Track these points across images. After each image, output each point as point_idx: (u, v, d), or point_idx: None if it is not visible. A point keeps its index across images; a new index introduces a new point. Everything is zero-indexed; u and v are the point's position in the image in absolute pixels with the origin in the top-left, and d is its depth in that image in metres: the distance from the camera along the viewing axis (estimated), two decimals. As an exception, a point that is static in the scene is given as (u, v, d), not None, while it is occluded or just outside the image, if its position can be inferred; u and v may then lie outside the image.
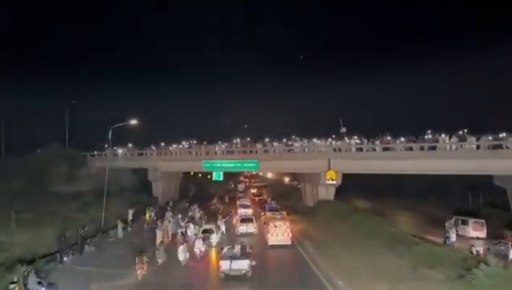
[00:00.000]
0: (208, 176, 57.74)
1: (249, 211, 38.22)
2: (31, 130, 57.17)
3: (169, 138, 53.11)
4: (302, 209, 45.80)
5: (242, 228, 30.44)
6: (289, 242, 25.28)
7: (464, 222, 31.16)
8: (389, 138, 37.05)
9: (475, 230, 30.21)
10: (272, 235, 25.26)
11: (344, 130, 39.75)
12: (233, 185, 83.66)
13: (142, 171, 49.78)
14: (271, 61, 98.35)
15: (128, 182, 55.57)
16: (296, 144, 40.85)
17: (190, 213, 37.94)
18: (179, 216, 32.20)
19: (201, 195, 66.36)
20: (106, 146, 53.48)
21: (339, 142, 39.95)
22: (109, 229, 31.14)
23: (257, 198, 55.44)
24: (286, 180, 75.43)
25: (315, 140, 41.02)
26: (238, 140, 46.11)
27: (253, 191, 66.65)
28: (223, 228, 29.45)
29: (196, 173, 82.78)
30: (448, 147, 32.72)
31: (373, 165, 36.64)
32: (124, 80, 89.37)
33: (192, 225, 28.69)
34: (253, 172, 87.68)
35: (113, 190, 50.43)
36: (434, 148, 33.65)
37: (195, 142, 48.35)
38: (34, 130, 58.22)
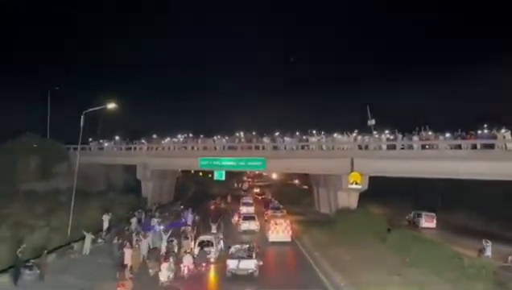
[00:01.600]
0: (210, 175, 53.68)
1: (252, 209, 38.29)
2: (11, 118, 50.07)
3: (164, 130, 46.05)
4: (316, 217, 38.89)
5: (245, 225, 30.75)
6: (289, 239, 26.15)
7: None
8: (430, 133, 29.69)
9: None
10: (273, 232, 26.27)
11: (372, 122, 32.52)
12: (236, 185, 79.40)
13: (135, 169, 43.07)
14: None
15: (118, 180, 49.17)
16: (313, 139, 33.64)
17: (182, 221, 31.08)
18: (161, 227, 25.24)
19: (202, 195, 61.04)
20: (90, 139, 47.15)
21: (366, 138, 32.53)
22: (75, 241, 24.10)
23: (260, 197, 55.10)
24: (295, 181, 68.56)
25: (335, 135, 33.74)
26: (242, 134, 38.91)
27: (257, 190, 65.78)
28: (221, 244, 23.46)
29: (196, 172, 76.96)
30: (509, 145, 25.45)
31: (410, 166, 29.52)
32: (122, 69, 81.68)
33: (175, 242, 22.14)
34: (257, 172, 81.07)
35: (96, 190, 44.21)
36: (491, 146, 26.33)
37: (191, 135, 41.29)
38: (15, 117, 50.96)
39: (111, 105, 28.45)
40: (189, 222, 31.50)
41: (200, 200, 51.54)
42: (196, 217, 32.53)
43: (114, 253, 21.73)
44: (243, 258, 18.68)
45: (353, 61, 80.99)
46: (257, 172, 79.87)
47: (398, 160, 30.37)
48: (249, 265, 18.29)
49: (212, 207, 45.23)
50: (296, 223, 34.42)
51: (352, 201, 32.91)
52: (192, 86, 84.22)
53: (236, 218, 33.64)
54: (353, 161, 31.77)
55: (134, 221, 30.09)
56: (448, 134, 29.70)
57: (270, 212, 35.12)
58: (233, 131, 39.14)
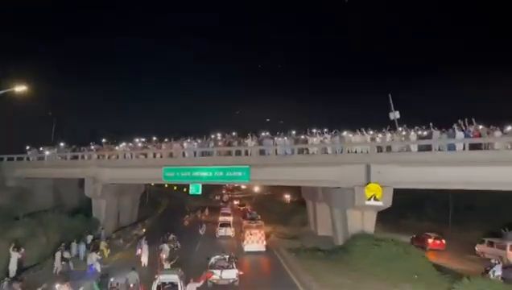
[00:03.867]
0: (185, 189, 50.46)
1: (229, 218, 38.87)
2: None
3: (123, 133, 36.82)
4: (314, 241, 30.12)
5: (221, 231, 33.57)
6: (263, 249, 26.62)
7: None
8: (480, 127, 21.30)
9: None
10: (248, 242, 26.86)
11: (396, 114, 24.14)
12: (216, 197, 74.56)
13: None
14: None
15: (71, 197, 39.39)
16: (314, 140, 24.90)
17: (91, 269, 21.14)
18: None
19: (176, 211, 54.57)
20: (28, 147, 37.54)
21: (388, 136, 23.80)
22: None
23: (241, 208, 56.34)
24: (286, 196, 59.53)
25: (345, 134, 24.93)
26: (219, 136, 29.87)
27: (236, 202, 66.47)
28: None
29: (171, 185, 67.98)
30: None
31: (454, 174, 21.15)
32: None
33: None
34: (237, 184, 71.70)
35: (35, 209, 34.65)
36: None
37: (154, 138, 31.96)
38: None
39: (20, 89, 19.17)
40: (143, 259, 22.47)
41: (173, 217, 45.94)
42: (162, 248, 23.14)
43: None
44: (225, 268, 19.13)
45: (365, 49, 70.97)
46: (235, 184, 70.30)
47: (435, 166, 21.90)
48: (231, 274, 18.85)
49: (186, 223, 41.91)
50: (287, 251, 26.16)
51: (367, 223, 24.33)
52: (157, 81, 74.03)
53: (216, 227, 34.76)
54: (370, 168, 23.28)
55: (57, 257, 20.80)
56: (509, 128, 21.30)
57: (245, 222, 34.01)
58: (208, 133, 30.04)
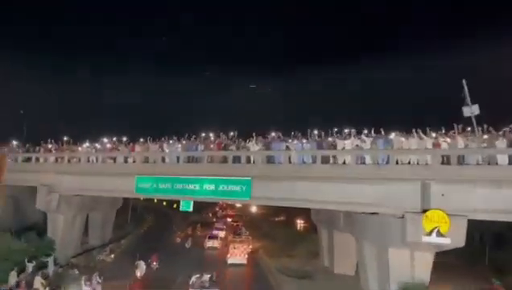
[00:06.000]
0: (175, 205, 44.17)
1: (222, 233, 40.62)
2: None
3: (89, 132, 29.33)
4: (331, 285, 22.33)
5: (209, 243, 35.30)
6: (245, 262, 28.51)
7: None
8: None
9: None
10: (231, 255, 28.82)
11: (474, 110, 16.70)
12: (209, 214, 67.86)
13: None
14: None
15: (34, 211, 31.73)
16: (345, 143, 17.32)
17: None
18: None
19: (163, 230, 47.69)
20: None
21: (461, 142, 15.95)
22: None
23: (235, 223, 55.97)
24: (299, 221, 51.29)
25: (394, 136, 17.24)
26: (212, 136, 22.20)
27: (229, 219, 64.17)
28: None
29: (161, 200, 60.76)
30: None
31: None
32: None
33: None
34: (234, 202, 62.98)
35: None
36: None
37: (125, 139, 24.32)
38: None
39: None
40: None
41: (157, 236, 40.17)
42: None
43: None
44: (207, 287, 19.48)
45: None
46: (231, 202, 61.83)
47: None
48: None
49: (179, 239, 38.87)
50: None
51: (420, 268, 16.60)
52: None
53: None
54: (430, 187, 15.79)
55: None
56: None
57: (230, 237, 37.13)
58: (198, 132, 22.43)
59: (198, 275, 20.38)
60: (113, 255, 29.27)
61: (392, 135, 17.29)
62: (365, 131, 17.55)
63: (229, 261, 28.54)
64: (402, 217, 16.39)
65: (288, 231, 45.58)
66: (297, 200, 19.33)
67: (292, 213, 48.94)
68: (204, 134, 21.86)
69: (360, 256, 20.71)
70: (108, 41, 72.10)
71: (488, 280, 21.97)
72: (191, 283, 19.82)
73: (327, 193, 18.26)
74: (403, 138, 16.83)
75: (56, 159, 25.94)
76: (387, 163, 16.65)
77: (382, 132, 17.31)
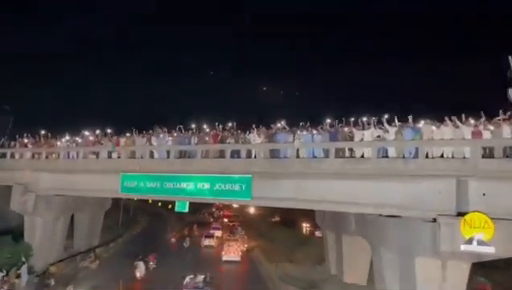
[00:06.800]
0: (170, 206, 47.21)
1: (219, 233, 42.00)
2: None
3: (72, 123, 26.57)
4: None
5: (206, 241, 36.83)
6: (238, 259, 29.83)
7: None
8: None
9: None
10: (226, 253, 30.28)
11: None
12: (206, 215, 67.41)
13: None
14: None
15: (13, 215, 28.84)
16: (364, 133, 14.65)
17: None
18: None
19: (157, 232, 45.72)
20: None
21: (507, 130, 13.19)
22: None
23: (231, 224, 56.81)
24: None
25: (423, 124, 14.55)
26: (206, 128, 19.33)
27: (226, 220, 65.27)
28: None
29: (155, 201, 58.18)
30: None
31: None
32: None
33: None
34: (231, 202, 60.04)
35: None
36: None
37: (109, 131, 21.50)
38: None
39: None
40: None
41: (150, 239, 38.19)
42: None
43: None
44: (202, 287, 19.63)
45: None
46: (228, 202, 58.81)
47: None
48: None
49: (173, 240, 39.02)
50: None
51: (453, 281, 13.94)
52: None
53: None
54: (467, 185, 13.15)
55: None
56: None
57: (225, 235, 39.34)
58: (188, 122, 19.63)
59: (192, 276, 20.43)
60: (98, 262, 26.49)
61: (421, 123, 14.53)
62: (386, 116, 14.69)
63: (224, 258, 30.01)
64: (434, 220, 13.74)
65: (288, 233, 42.95)
66: (305, 201, 16.56)
67: (292, 212, 46.37)
68: (194, 126, 18.97)
69: (376, 265, 17.99)
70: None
71: (474, 279, 19.69)
72: (184, 283, 19.90)
73: (341, 193, 15.53)
74: (435, 127, 14.08)
75: (33, 155, 23.17)
76: (415, 156, 13.92)
77: (410, 120, 14.52)
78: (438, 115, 14.21)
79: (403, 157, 14.18)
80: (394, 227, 15.76)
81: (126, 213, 51.73)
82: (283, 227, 47.49)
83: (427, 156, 13.90)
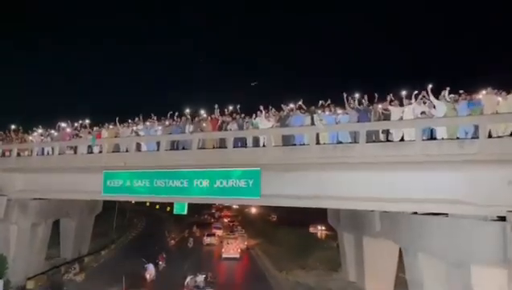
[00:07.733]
0: (168, 208, 45.17)
1: (220, 232, 43.79)
2: None
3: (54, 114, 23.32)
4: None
5: (207, 240, 38.93)
6: (238, 256, 31.14)
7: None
8: None
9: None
10: (225, 250, 31.64)
11: None
12: (206, 217, 66.78)
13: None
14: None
15: None
16: (404, 110, 11.55)
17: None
18: None
19: (154, 234, 43.29)
20: None
21: None
22: None
23: (231, 223, 57.08)
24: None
25: (484, 94, 11.48)
26: (203, 113, 16.14)
27: (226, 220, 65.18)
28: None
29: (153, 203, 55.44)
30: None
31: None
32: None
33: None
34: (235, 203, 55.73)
35: None
36: None
37: (87, 122, 18.24)
38: None
39: None
40: None
41: (147, 245, 34.15)
42: None
43: None
44: (203, 287, 19.67)
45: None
46: (229, 203, 55.05)
47: None
48: None
49: (172, 242, 39.24)
50: None
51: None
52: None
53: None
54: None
55: None
56: None
57: (224, 234, 41.39)
58: (181, 108, 16.37)
59: (192, 276, 20.44)
60: (83, 274, 23.28)
61: (481, 94, 11.29)
62: (430, 86, 11.37)
63: (224, 255, 31.22)
64: (500, 219, 10.63)
65: (294, 234, 39.55)
66: (328, 199, 13.37)
67: (296, 211, 42.88)
68: (188, 110, 15.72)
69: (413, 274, 14.85)
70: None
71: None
72: (185, 283, 19.96)
73: (374, 187, 12.37)
74: (500, 98, 10.88)
75: (3, 153, 19.92)
76: (474, 136, 10.75)
77: (463, 92, 11.23)
78: (502, 82, 10.97)
79: (458, 138, 10.98)
80: (438, 228, 12.68)
81: (122, 217, 48.59)
82: (287, 228, 44.03)
83: (489, 136, 10.71)
